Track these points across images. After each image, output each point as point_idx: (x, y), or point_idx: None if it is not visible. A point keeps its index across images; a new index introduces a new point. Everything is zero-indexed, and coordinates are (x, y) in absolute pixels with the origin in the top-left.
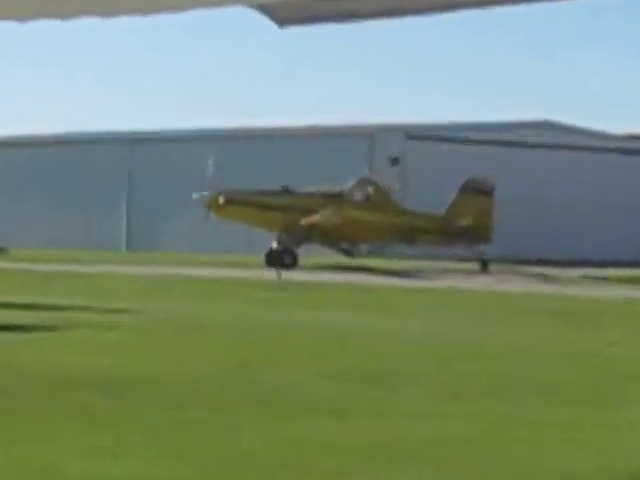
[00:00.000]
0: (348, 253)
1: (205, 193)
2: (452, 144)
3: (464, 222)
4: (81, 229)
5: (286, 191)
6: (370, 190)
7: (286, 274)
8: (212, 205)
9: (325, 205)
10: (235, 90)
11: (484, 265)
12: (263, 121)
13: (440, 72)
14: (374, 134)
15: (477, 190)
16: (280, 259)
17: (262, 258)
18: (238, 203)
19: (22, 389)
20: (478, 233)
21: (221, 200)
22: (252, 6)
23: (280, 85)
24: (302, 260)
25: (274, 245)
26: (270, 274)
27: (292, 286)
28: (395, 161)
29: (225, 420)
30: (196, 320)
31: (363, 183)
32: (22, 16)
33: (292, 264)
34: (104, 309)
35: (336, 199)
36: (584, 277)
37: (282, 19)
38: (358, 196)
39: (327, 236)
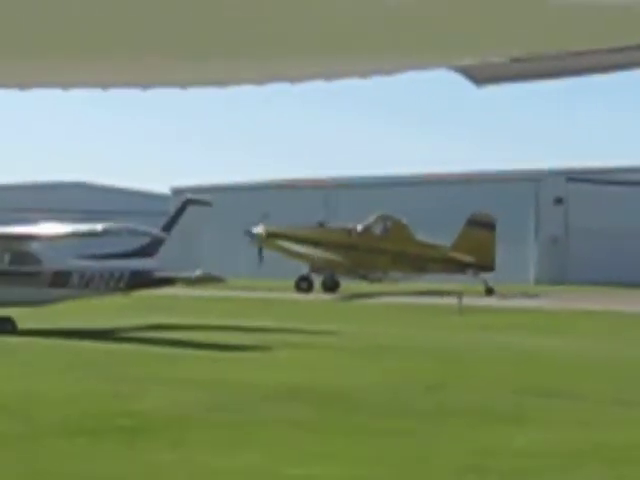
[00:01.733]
0: (366, 279)
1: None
2: (614, 186)
3: (469, 253)
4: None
5: (321, 226)
6: (388, 224)
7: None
8: (261, 240)
9: (347, 238)
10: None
11: (489, 290)
12: (426, 169)
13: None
14: (540, 178)
15: (481, 224)
16: (309, 284)
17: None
18: (278, 236)
19: (236, 403)
20: (482, 263)
21: (264, 233)
22: (451, 67)
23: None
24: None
25: (305, 272)
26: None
27: (470, 311)
28: (559, 201)
29: (423, 429)
30: (388, 342)
31: (382, 219)
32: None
33: (334, 288)
34: (308, 331)
35: (355, 233)
36: None
37: (480, 79)
38: (377, 230)
39: (348, 265)
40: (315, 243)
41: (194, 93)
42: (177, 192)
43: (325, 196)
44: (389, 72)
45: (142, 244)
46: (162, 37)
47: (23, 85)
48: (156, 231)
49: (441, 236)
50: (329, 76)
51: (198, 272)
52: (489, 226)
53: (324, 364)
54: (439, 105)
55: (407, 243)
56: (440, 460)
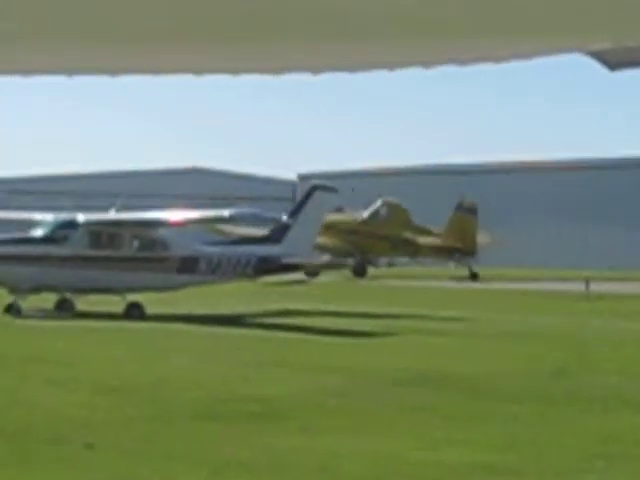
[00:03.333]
0: (370, 263)
1: None
2: None
3: (457, 239)
4: None
5: (338, 211)
6: (390, 210)
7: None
8: None
9: (351, 225)
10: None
11: (473, 275)
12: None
13: None
14: None
15: (468, 210)
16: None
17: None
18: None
19: (362, 388)
20: (468, 249)
21: None
22: (584, 52)
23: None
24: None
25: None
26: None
27: (600, 297)
28: None
29: (551, 415)
30: (516, 329)
31: (385, 205)
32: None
33: (362, 274)
34: (437, 317)
35: (360, 219)
36: None
37: (614, 63)
38: (380, 216)
39: (351, 250)
40: (326, 228)
41: (327, 78)
42: (303, 178)
43: (454, 182)
44: (527, 56)
45: (269, 229)
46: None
47: (122, 71)
48: (283, 217)
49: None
50: (464, 62)
51: (324, 258)
52: (473, 212)
53: (450, 350)
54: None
55: (405, 228)
56: (569, 446)
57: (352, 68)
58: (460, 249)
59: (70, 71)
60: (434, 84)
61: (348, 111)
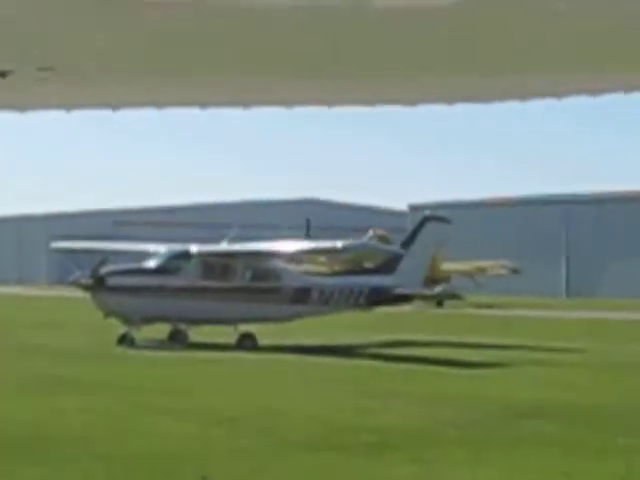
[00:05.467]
0: None
1: None
2: None
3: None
4: (527, 277)
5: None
6: (380, 240)
7: None
8: None
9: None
10: None
11: (439, 303)
12: None
13: None
14: None
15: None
16: None
17: None
18: None
19: (477, 419)
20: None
21: None
22: None
23: None
24: None
25: None
26: None
27: None
28: None
29: None
30: (629, 360)
31: (376, 235)
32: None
33: None
34: (550, 348)
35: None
36: None
37: None
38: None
39: None
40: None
41: (437, 109)
42: (414, 209)
43: (566, 212)
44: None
45: (381, 260)
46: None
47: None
48: (394, 248)
49: None
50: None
51: (437, 289)
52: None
53: (564, 381)
54: None
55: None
56: None
57: (450, 101)
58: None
59: (173, 104)
60: (546, 115)
61: (459, 142)
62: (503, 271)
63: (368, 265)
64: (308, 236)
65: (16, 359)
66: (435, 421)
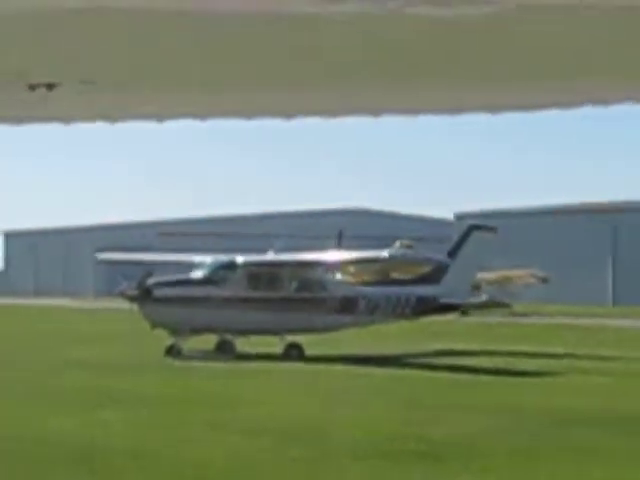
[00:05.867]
0: None
1: None
2: None
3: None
4: (572, 285)
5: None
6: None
7: None
8: None
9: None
10: None
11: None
12: None
13: None
14: None
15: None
16: None
17: None
18: None
19: (527, 429)
20: None
21: None
22: None
23: None
24: None
25: None
26: None
27: None
28: None
29: None
30: None
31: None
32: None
33: None
34: (597, 357)
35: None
36: None
37: None
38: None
39: None
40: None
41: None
42: (460, 217)
43: (610, 222)
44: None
45: (427, 270)
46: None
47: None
48: (440, 257)
49: None
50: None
51: (483, 298)
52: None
53: (615, 390)
54: None
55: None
56: None
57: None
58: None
59: (214, 114)
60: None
61: (503, 149)
62: (532, 280)
63: (397, 276)
64: (339, 247)
65: (63, 372)
66: (486, 431)
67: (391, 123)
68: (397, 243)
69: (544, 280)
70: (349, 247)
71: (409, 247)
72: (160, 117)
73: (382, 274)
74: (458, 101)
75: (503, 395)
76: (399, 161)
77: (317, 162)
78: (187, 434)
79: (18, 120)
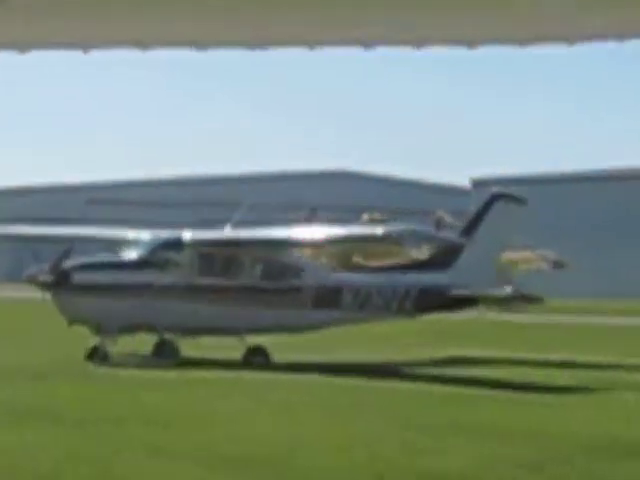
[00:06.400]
0: None
1: None
2: None
3: None
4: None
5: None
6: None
7: None
8: None
9: None
10: None
11: None
12: None
13: None
14: None
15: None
16: None
17: None
18: None
19: (554, 460)
20: None
21: None
22: None
23: None
24: None
25: None
26: None
27: None
28: None
29: None
30: None
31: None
32: None
33: None
34: None
35: None
36: None
37: None
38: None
39: None
40: None
41: (503, 68)
42: (479, 184)
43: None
44: None
45: (434, 252)
46: None
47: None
48: (452, 235)
49: None
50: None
51: (508, 289)
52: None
53: None
54: None
55: None
56: None
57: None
58: None
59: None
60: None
61: (530, 105)
62: (543, 264)
63: (393, 260)
64: (311, 222)
65: None
66: (505, 462)
67: (390, 67)
68: (364, 216)
69: (558, 265)
70: (329, 220)
71: (380, 221)
72: (94, 45)
73: (374, 257)
74: (465, 31)
75: (528, 416)
76: (397, 113)
77: (295, 113)
78: (117, 463)
79: None
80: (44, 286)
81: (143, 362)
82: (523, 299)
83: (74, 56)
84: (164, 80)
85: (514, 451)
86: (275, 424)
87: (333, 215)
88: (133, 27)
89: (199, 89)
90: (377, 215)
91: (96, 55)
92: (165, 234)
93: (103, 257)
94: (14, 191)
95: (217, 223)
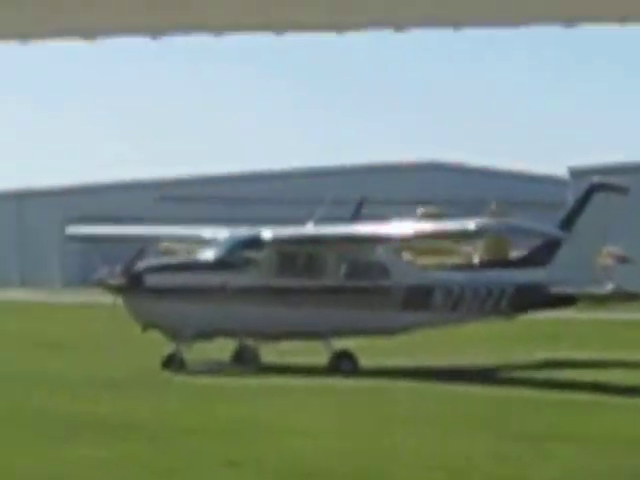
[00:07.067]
0: None
1: None
2: None
3: None
4: None
5: None
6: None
7: None
8: None
9: None
10: None
11: None
12: None
13: None
14: None
15: None
16: None
17: None
18: None
19: None
20: None
21: None
22: None
23: None
24: None
25: None
26: None
27: None
28: None
29: None
30: None
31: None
32: None
33: None
34: None
35: None
36: None
37: None
38: None
39: None
40: None
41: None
42: (577, 174)
43: None
44: None
45: (531, 247)
46: None
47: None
48: (551, 229)
49: None
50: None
51: (609, 287)
52: None
53: None
54: None
55: None
56: None
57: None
58: None
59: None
60: None
61: (633, 89)
62: (609, 261)
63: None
64: (357, 219)
65: (26, 391)
66: (617, 475)
67: (475, 52)
68: (419, 210)
69: (623, 260)
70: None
71: (438, 216)
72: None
73: (426, 254)
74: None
75: (632, 422)
76: (488, 101)
77: (378, 104)
78: (194, 477)
79: None
80: (115, 290)
81: (222, 369)
82: (625, 297)
83: (147, 45)
84: (237, 72)
85: (631, 461)
86: (363, 436)
87: (427, 209)
88: (207, 13)
89: (273, 82)
90: (432, 209)
91: (178, 45)
92: (243, 232)
93: (178, 259)
94: (81, 189)
95: (298, 220)
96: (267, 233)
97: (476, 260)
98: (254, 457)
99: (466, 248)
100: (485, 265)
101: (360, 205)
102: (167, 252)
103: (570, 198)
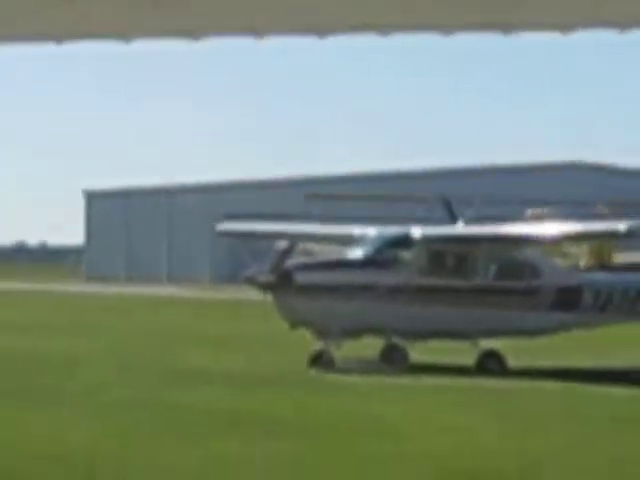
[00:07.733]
0: None
1: None
2: None
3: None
4: None
5: None
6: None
7: None
8: None
9: None
10: None
11: None
12: None
13: None
14: None
15: None
16: None
17: None
18: None
19: None
20: None
21: None
22: None
23: None
24: None
25: None
26: None
27: None
28: None
29: None
30: None
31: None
32: None
33: None
34: None
35: None
36: None
37: None
38: None
39: None
40: None
41: None
42: None
43: None
44: None
45: None
46: None
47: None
48: None
49: None
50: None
51: None
52: None
53: None
54: None
55: None
56: None
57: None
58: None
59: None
60: None
61: None
62: None
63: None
64: (453, 220)
65: (184, 387)
66: None
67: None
68: (528, 211)
69: None
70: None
71: (547, 217)
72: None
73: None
74: None
75: None
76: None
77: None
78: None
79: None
80: (265, 287)
81: (370, 368)
82: None
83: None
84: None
85: None
86: (521, 434)
87: (565, 210)
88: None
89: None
90: (538, 211)
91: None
92: (393, 230)
93: (327, 256)
94: (229, 186)
95: (442, 221)
96: (416, 231)
97: (582, 263)
98: (404, 454)
99: (574, 250)
100: (635, 267)
101: (449, 204)
102: (305, 253)
103: None
